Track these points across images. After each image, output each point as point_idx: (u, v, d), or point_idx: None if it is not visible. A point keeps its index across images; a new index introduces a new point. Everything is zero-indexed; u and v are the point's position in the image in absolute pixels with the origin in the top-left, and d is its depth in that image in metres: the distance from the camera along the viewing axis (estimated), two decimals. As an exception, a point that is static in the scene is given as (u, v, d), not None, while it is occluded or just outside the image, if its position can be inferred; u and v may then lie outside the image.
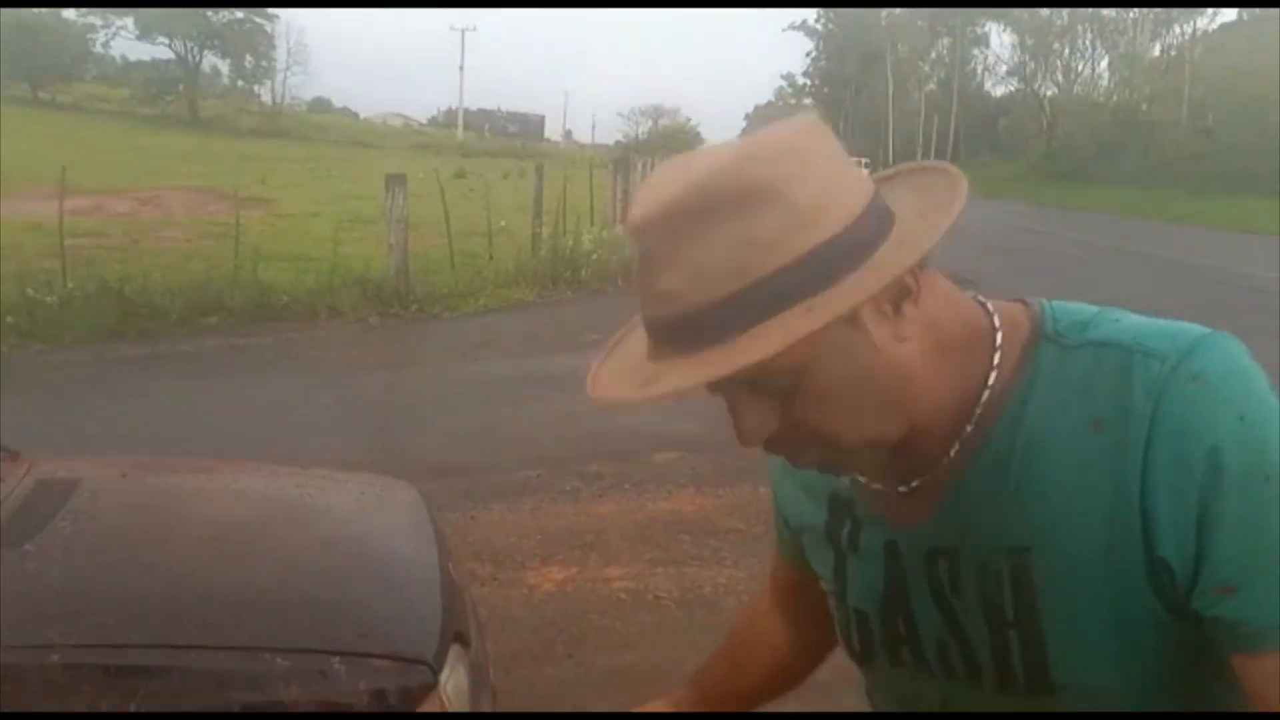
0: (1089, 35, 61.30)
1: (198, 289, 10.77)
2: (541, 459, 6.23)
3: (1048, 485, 0.81)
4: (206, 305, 10.58)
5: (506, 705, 2.82)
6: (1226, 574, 0.76)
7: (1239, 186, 32.31)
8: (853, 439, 0.81)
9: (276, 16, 62.10)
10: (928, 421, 0.84)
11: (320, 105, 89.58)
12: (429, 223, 13.33)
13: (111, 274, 10.53)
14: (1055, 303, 0.87)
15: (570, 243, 14.71)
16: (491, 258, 14.09)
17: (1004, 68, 71.17)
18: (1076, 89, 61.55)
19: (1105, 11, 57.30)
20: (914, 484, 0.88)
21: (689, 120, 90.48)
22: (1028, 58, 64.19)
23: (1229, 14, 57.76)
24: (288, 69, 67.50)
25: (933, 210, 0.79)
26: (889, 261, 0.75)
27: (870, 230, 0.77)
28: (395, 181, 11.98)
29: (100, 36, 59.46)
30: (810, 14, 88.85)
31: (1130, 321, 0.84)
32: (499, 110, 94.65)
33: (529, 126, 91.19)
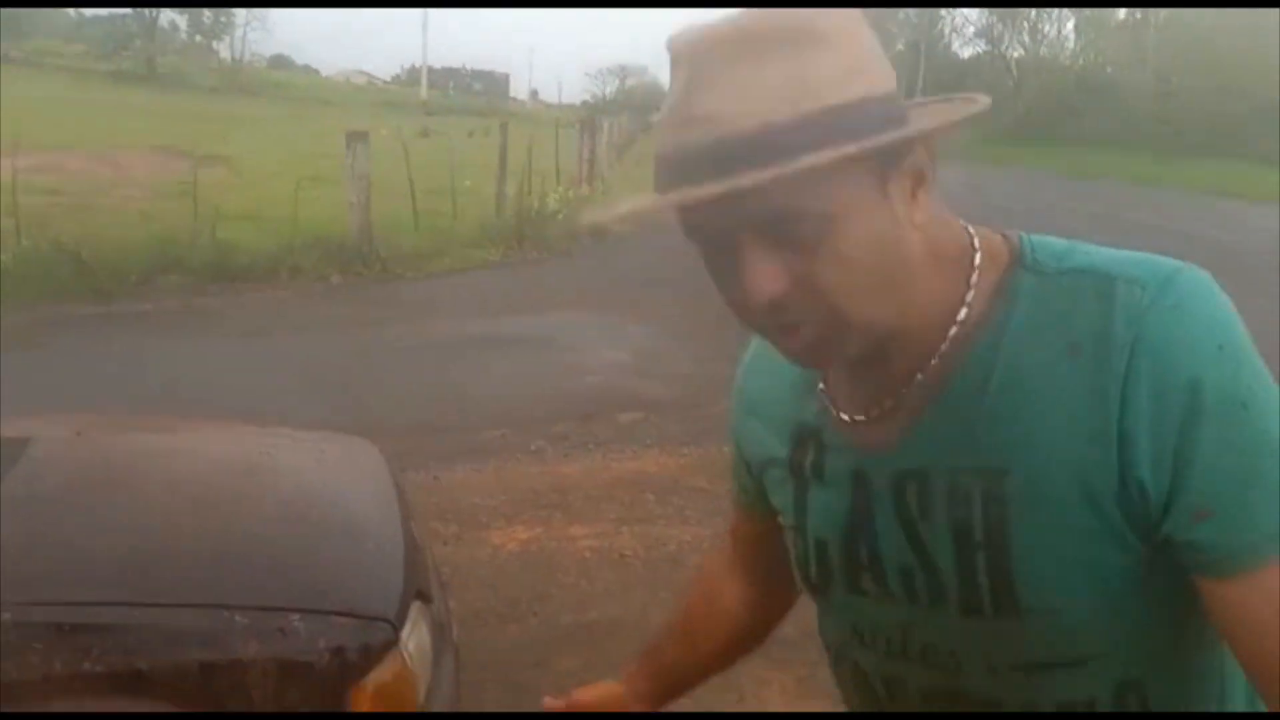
0: (1056, -3, 61.35)
1: (156, 248, 10.57)
2: (506, 419, 6.21)
3: (1025, 408, 0.82)
4: (166, 265, 10.40)
5: (470, 663, 2.82)
6: (1202, 500, 0.77)
7: (1203, 150, 32.59)
8: (855, 311, 0.79)
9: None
10: (914, 325, 0.84)
11: (280, 62, 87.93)
12: (392, 182, 13.16)
13: (67, 233, 10.32)
14: (1033, 236, 0.88)
15: (536, 203, 14.60)
16: (456, 218, 13.96)
17: (971, 29, 71.20)
18: (1043, 51, 61.69)
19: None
20: (887, 405, 0.88)
21: (656, 80, 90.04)
22: (995, 19, 64.22)
23: (1194, -23, 57.93)
24: (247, 25, 66.11)
25: (958, 105, 0.84)
26: (930, 117, 0.81)
27: (900, 107, 0.81)
28: (356, 139, 11.81)
29: (54, -10, 58.09)
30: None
31: (1105, 253, 0.85)
32: (464, 69, 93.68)
33: (494, 85, 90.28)
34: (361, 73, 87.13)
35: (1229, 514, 0.77)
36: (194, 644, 1.95)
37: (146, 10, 56.18)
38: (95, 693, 1.86)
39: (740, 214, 0.76)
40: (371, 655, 2.05)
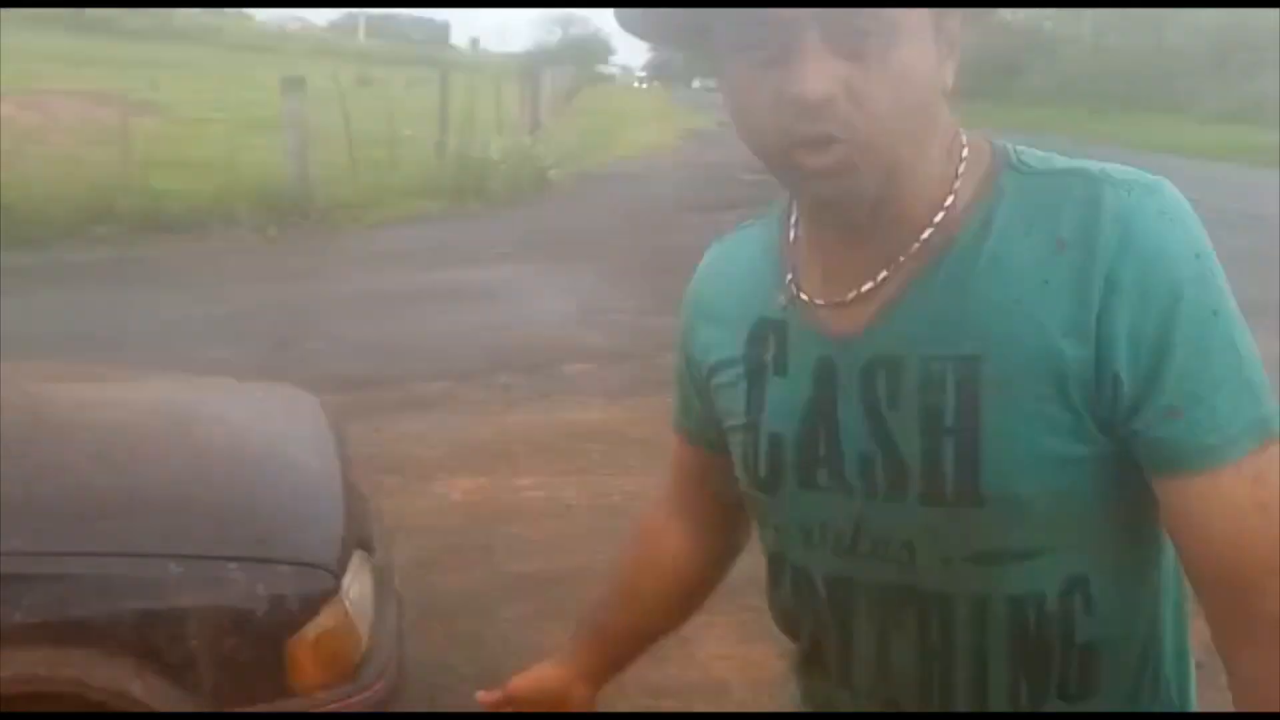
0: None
1: (86, 197, 10.28)
2: (449, 371, 6.17)
3: (1007, 299, 0.84)
4: (96, 214, 10.11)
5: (413, 612, 2.81)
6: (1173, 398, 0.81)
7: (1138, 105, 33.01)
8: (887, 138, 0.81)
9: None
10: (910, 194, 0.86)
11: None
12: (330, 131, 12.89)
13: (-7, 180, 10.01)
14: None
15: (478, 152, 14.40)
16: (395, 167, 13.73)
17: (914, -17, 71.10)
18: (984, 4, 61.84)
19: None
20: (865, 289, 0.89)
21: (599, 30, 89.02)
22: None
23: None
24: (178, -33, 64.19)
25: None
26: None
27: None
28: (292, 85, 11.51)
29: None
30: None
31: (1087, 160, 0.88)
32: (402, 16, 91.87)
33: (434, 33, 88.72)
34: (297, 19, 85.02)
35: (1196, 415, 0.81)
36: (129, 594, 1.92)
37: (71, -50, 54.13)
38: (29, 643, 1.83)
39: (816, 15, 0.78)
40: (312, 604, 2.03)
